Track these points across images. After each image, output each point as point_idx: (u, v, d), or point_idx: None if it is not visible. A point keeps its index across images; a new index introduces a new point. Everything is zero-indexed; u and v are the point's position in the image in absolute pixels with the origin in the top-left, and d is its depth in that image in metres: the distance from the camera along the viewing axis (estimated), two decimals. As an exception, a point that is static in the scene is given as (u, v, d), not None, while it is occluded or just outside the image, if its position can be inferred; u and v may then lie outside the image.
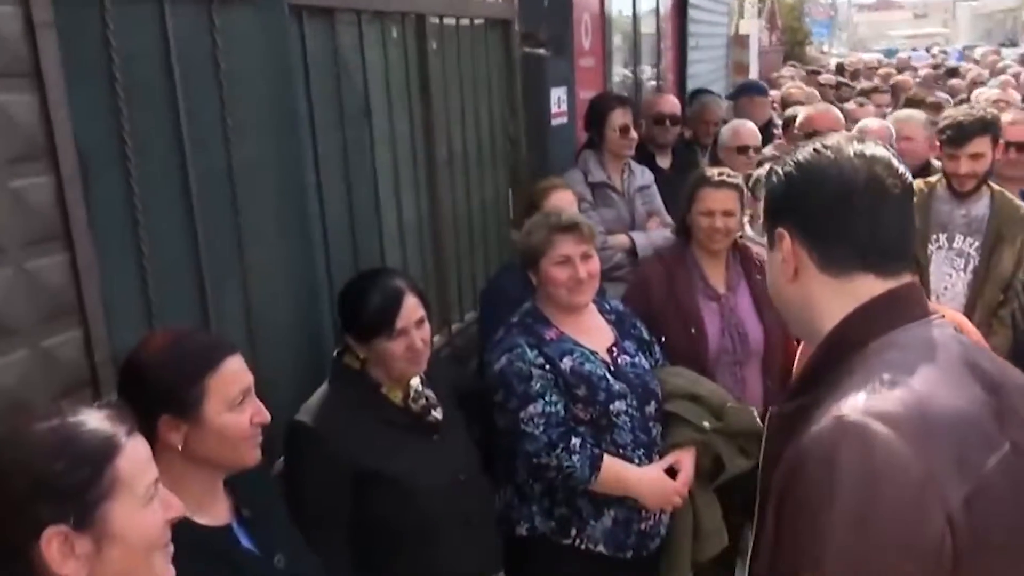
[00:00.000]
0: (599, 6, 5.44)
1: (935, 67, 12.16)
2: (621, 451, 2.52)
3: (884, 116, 5.39)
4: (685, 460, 2.63)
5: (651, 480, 2.54)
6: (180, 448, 1.56)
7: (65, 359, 1.65)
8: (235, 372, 1.62)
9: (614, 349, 2.63)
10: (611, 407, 2.51)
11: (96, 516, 1.17)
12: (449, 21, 3.46)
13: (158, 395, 1.55)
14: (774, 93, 7.26)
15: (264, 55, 2.29)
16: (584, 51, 5.05)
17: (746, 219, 3.27)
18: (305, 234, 2.46)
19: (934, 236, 3.55)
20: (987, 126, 3.50)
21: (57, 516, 1.14)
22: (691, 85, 7.85)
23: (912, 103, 5.57)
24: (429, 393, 2.30)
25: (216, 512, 1.65)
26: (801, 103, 6.03)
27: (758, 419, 2.70)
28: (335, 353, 2.30)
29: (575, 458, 2.43)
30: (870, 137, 2.33)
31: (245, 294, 2.24)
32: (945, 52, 20.91)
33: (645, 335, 2.79)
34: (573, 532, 2.53)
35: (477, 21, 3.73)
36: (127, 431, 1.23)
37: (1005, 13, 39.43)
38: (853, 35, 44.85)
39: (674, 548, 2.70)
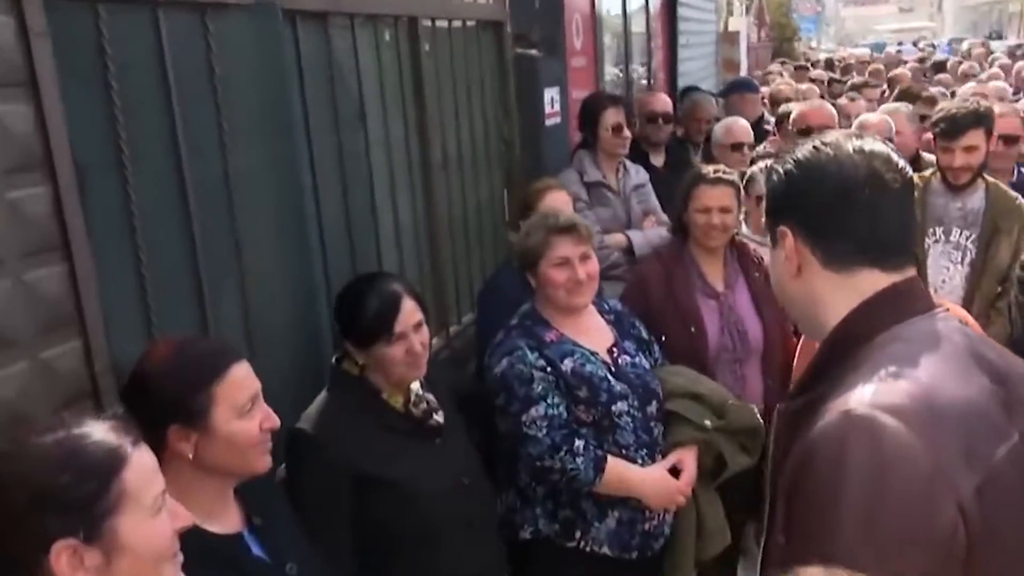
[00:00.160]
0: (590, 6, 5.44)
1: (920, 60, 12.13)
2: (624, 452, 2.52)
3: (875, 111, 5.39)
4: (688, 459, 2.62)
5: (654, 480, 2.54)
6: (191, 457, 1.55)
7: (65, 370, 1.63)
8: (243, 379, 1.61)
9: (614, 349, 2.63)
10: (613, 408, 2.50)
11: (104, 528, 1.16)
12: (441, 23, 3.46)
13: (164, 405, 1.54)
14: (763, 90, 7.26)
15: (258, 60, 2.29)
16: (576, 51, 5.05)
17: (741, 216, 3.27)
18: (302, 238, 2.45)
19: (931, 230, 3.54)
20: (980, 119, 3.49)
21: (65, 529, 1.13)
22: (681, 83, 7.87)
23: (906, 96, 5.56)
24: (430, 397, 2.29)
25: (227, 520, 1.64)
26: (791, 99, 6.03)
27: (759, 416, 2.71)
28: (334, 359, 2.29)
29: (579, 460, 2.42)
30: (869, 132, 2.35)
31: (243, 298, 2.23)
32: (933, 46, 20.96)
33: (644, 334, 2.78)
34: (577, 534, 2.52)
35: (469, 23, 3.73)
36: (132, 442, 1.22)
37: (991, 5, 39.65)
38: (840, 30, 45.06)
39: (678, 548, 2.69)
